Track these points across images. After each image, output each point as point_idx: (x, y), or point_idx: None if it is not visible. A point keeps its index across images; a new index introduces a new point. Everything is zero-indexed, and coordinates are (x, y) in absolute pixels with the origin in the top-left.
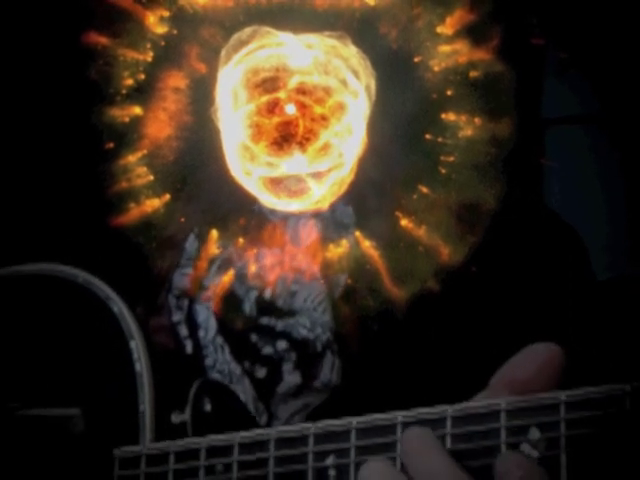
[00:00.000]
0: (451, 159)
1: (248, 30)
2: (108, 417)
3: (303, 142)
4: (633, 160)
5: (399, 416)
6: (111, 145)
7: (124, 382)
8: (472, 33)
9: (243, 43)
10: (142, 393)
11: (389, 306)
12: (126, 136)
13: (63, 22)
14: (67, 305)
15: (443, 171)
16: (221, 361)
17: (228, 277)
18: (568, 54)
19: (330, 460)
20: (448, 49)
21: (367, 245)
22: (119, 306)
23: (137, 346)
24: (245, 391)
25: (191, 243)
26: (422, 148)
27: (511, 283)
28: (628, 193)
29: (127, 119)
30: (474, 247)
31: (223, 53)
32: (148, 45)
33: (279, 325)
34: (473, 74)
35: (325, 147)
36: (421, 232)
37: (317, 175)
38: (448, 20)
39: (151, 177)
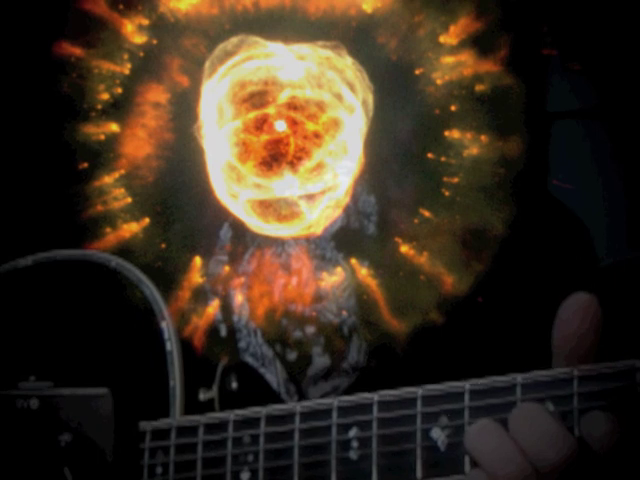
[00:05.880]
0: (455, 180)
1: (234, 40)
2: (139, 393)
3: (294, 162)
4: (632, 149)
5: (419, 390)
6: (85, 165)
7: (155, 360)
8: (478, 43)
9: (229, 54)
10: (172, 370)
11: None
12: (101, 155)
13: (32, 31)
14: (100, 288)
15: (447, 193)
16: (254, 344)
17: (259, 267)
18: (578, 63)
19: (353, 432)
20: (452, 60)
21: (364, 274)
22: (150, 289)
23: (168, 326)
24: (277, 373)
25: (225, 232)
26: (424, 168)
27: (517, 271)
28: (627, 180)
29: (103, 137)
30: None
31: (207, 65)
32: (125, 56)
33: (307, 310)
34: (479, 88)
35: (318, 167)
36: (423, 259)
37: (310, 197)
38: (452, 29)
39: (129, 199)
